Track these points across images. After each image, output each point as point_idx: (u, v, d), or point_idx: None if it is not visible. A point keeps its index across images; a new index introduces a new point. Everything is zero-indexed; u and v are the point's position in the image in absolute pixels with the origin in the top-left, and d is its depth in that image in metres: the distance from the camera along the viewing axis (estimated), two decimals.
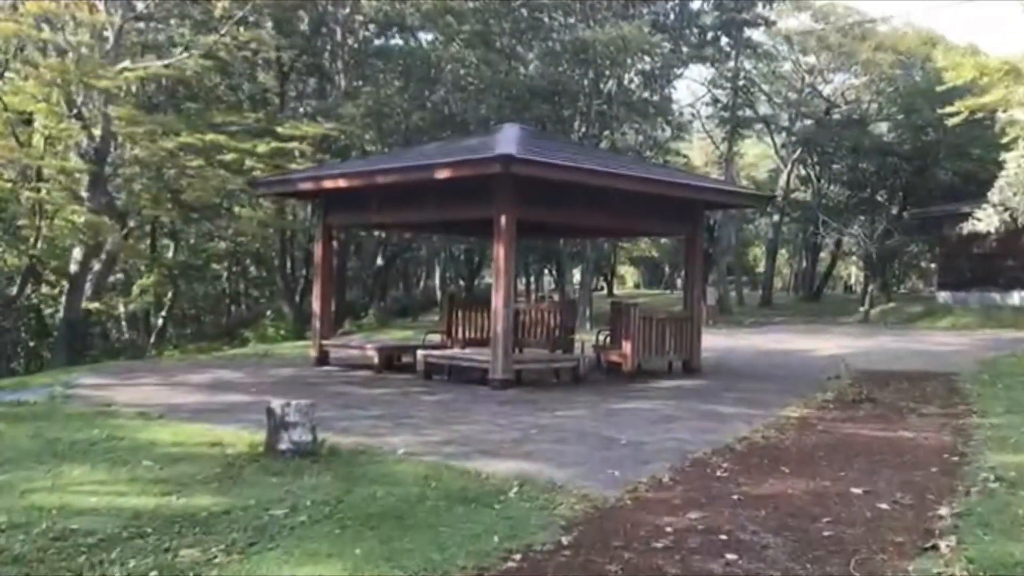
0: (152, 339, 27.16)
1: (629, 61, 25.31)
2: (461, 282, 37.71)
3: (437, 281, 38.04)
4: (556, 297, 43.57)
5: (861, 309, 30.25)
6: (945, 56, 24.16)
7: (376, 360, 12.66)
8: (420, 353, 12.04)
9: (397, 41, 30.40)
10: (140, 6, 21.03)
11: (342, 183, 12.08)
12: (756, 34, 34.44)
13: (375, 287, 30.16)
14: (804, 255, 53.02)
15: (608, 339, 13.70)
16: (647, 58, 25.34)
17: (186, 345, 24.91)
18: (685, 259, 13.95)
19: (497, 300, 10.99)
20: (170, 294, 27.80)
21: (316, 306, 13.68)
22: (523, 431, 8.24)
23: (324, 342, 13.50)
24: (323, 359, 13.50)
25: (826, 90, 41.05)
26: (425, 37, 29.74)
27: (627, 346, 12.53)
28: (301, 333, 22.82)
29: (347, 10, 26.95)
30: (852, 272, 69.76)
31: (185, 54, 21.11)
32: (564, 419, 9.02)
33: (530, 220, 11.57)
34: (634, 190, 11.53)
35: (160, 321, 27.83)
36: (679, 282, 71.42)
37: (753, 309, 37.75)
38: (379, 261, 29.94)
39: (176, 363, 14.66)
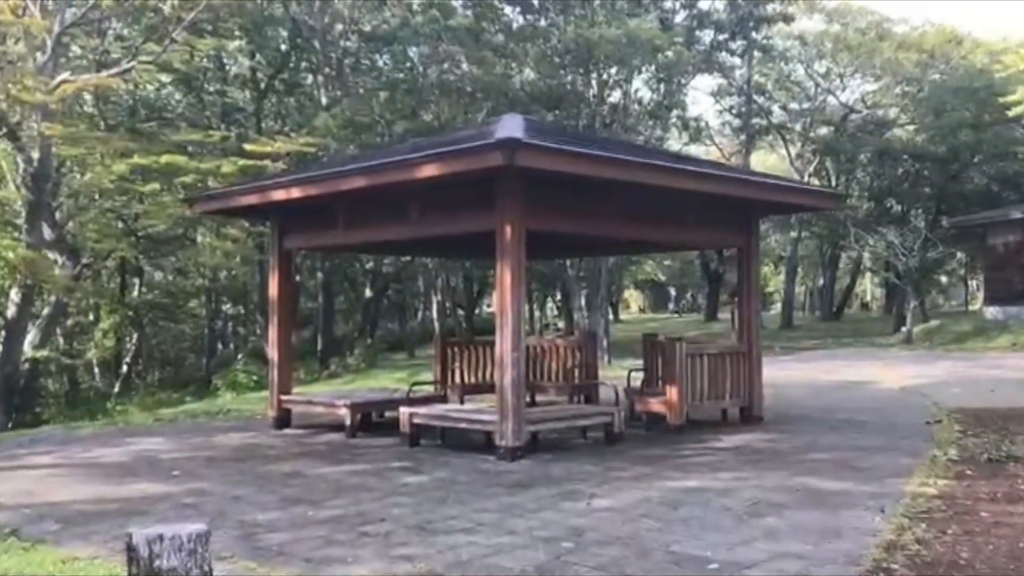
0: (116, 388, 24.29)
1: (637, 62, 22.61)
2: (460, 312, 34.87)
3: (435, 312, 35.24)
4: (561, 326, 40.75)
5: (903, 329, 27.36)
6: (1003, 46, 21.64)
7: (348, 421, 9.79)
8: (404, 411, 9.18)
9: (384, 61, 27.76)
10: (79, 12, 18.25)
11: (295, 193, 9.29)
12: (770, 36, 31.77)
13: (364, 321, 27.28)
14: (822, 272, 50.26)
15: (643, 382, 10.86)
16: (659, 56, 22.61)
17: (149, 395, 21.95)
18: (739, 277, 11.11)
19: (503, 341, 8.14)
20: (135, 337, 24.99)
21: (273, 353, 10.84)
22: (551, 544, 5.38)
23: (284, 398, 10.63)
24: (283, 420, 10.63)
25: (843, 95, 38.43)
26: (413, 54, 27.16)
27: (672, 392, 9.68)
28: None
29: (326, 20, 24.36)
30: (868, 289, 66.99)
31: (133, 62, 18.31)
32: (608, 515, 6.15)
33: (542, 231, 8.73)
34: (678, 188, 8.72)
35: (125, 368, 24.96)
36: (670, 305, 69.29)
37: (774, 332, 34.83)
38: (368, 292, 27.07)
39: (102, 430, 11.76)
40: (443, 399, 11.14)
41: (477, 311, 38.31)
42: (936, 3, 48.96)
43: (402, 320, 34.89)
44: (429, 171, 7.90)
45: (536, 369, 12.34)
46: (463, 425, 8.72)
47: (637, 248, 13.85)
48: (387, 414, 10.80)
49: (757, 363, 10.68)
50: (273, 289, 10.83)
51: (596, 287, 25.05)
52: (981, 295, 55.88)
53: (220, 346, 31.60)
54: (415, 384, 10.35)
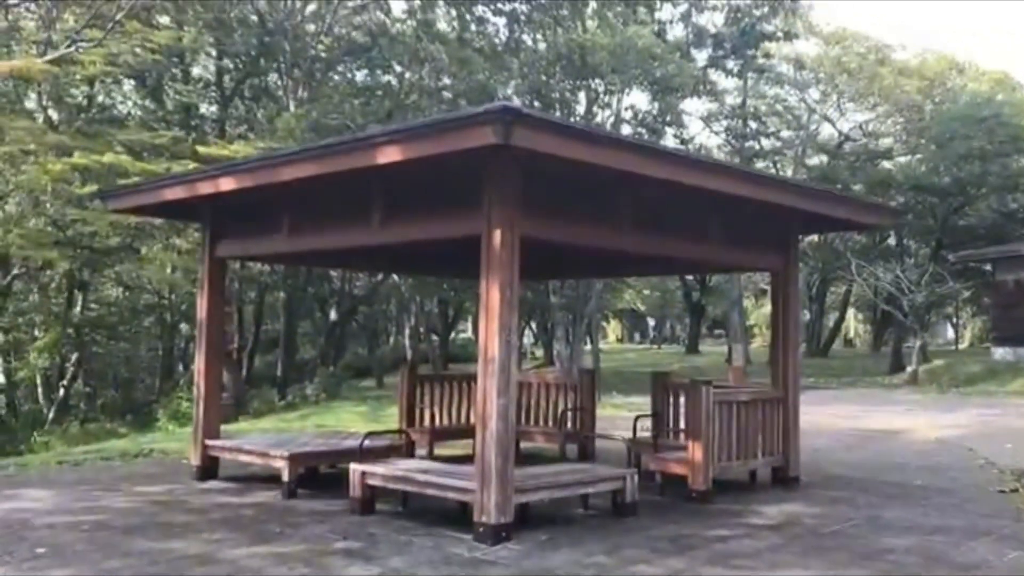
0: (51, 415, 21.94)
1: (635, 71, 20.86)
2: (435, 337, 32.72)
3: (407, 337, 33.12)
4: (539, 355, 38.63)
5: (908, 369, 25.62)
6: None
7: (285, 477, 7.72)
8: (356, 469, 7.11)
9: (361, 67, 25.78)
10: None
11: (227, 184, 7.28)
12: (769, 54, 30.17)
13: (328, 346, 25.17)
14: (809, 306, 48.72)
15: (653, 433, 8.89)
16: (657, 69, 20.90)
17: (80, 424, 19.67)
18: (774, 307, 9.17)
19: (486, 381, 6.14)
20: (75, 357, 22.70)
21: (199, 385, 8.74)
22: None
23: (209, 443, 8.53)
24: (209, 470, 8.54)
25: (840, 122, 37.00)
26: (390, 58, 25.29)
27: (696, 449, 7.70)
28: (235, 411, 17.87)
29: (297, 19, 22.42)
30: (852, 325, 65.53)
31: (72, 48, 16.31)
32: None
33: (540, 240, 6.70)
34: (708, 189, 6.75)
35: (62, 392, 22.62)
36: (636, 336, 67.29)
37: (762, 368, 33.06)
38: (333, 315, 24.99)
39: None
40: (409, 448, 9.09)
41: (452, 336, 36.24)
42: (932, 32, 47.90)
43: (372, 345, 32.76)
44: (394, 154, 5.92)
45: (520, 411, 10.33)
46: (431, 491, 6.68)
47: (646, 268, 11.71)
48: (337, 465, 8.75)
49: (795, 413, 8.77)
50: (202, 307, 8.75)
51: (580, 315, 23.13)
52: (968, 333, 54.59)
53: (181, 368, 29.31)
54: (371, 433, 8.28)
